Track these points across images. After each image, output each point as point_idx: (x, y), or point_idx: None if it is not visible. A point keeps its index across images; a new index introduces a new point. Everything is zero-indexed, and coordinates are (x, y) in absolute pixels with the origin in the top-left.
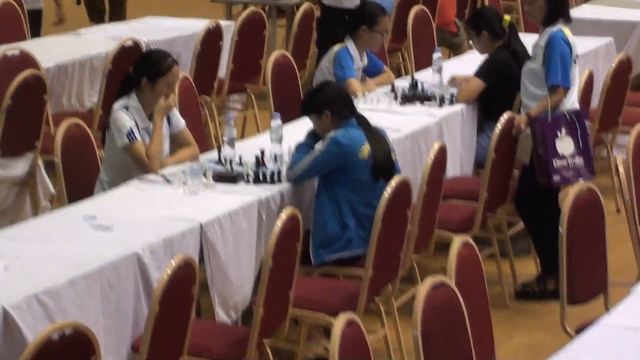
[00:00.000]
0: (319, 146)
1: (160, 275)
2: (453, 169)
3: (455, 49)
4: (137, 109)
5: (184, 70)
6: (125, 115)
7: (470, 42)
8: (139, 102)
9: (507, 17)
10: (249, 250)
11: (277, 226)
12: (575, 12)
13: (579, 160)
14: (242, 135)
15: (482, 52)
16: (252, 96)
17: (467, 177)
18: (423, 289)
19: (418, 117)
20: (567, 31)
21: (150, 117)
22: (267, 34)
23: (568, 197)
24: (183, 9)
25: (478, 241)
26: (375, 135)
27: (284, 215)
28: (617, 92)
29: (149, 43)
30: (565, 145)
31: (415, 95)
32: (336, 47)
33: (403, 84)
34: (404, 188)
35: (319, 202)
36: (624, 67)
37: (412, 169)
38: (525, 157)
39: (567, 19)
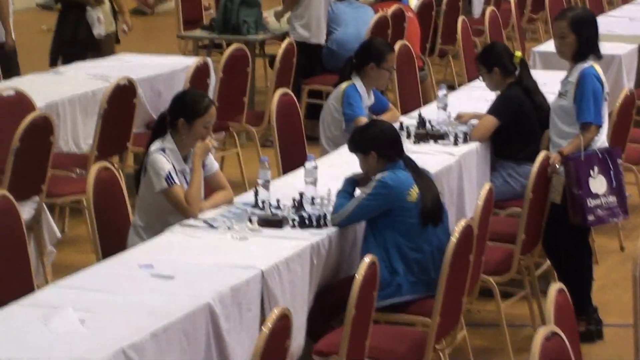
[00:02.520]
0: (365, 189)
1: (228, 325)
2: (470, 210)
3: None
4: (173, 151)
5: None
6: (163, 158)
7: (480, 78)
8: (174, 144)
9: (518, 53)
10: (302, 297)
11: (360, 274)
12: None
13: (612, 199)
14: None
15: (493, 89)
16: (235, 135)
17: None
18: (538, 338)
19: (437, 156)
20: (598, 68)
21: (186, 159)
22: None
23: None
24: (145, 44)
25: (507, 283)
26: (424, 178)
27: (363, 265)
28: (622, 127)
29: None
30: (598, 184)
31: (428, 134)
32: (344, 85)
33: (409, 121)
34: (469, 232)
35: (366, 247)
36: (628, 101)
37: None
38: (557, 197)
39: (598, 55)
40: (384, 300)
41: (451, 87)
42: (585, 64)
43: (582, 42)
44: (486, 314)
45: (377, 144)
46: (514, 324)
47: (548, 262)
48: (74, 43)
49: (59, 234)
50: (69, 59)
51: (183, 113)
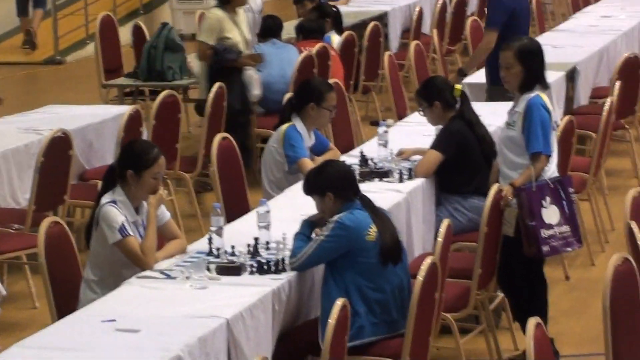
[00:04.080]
0: (323, 231)
1: None
2: (417, 247)
3: None
4: (125, 203)
5: (106, 158)
6: (116, 210)
7: (421, 113)
8: (125, 195)
9: (458, 87)
10: (266, 344)
11: (333, 318)
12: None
13: (565, 229)
14: None
15: (434, 123)
16: (170, 182)
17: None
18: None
19: (384, 194)
20: (544, 97)
21: (137, 210)
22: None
23: (608, 270)
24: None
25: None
26: (381, 217)
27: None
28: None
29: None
30: (551, 214)
31: (373, 172)
32: (284, 127)
33: (351, 160)
34: (434, 270)
35: (326, 289)
36: (568, 129)
37: None
38: (510, 230)
39: (545, 85)
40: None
41: (375, 124)
42: (532, 94)
43: (529, 72)
44: (445, 351)
45: (334, 185)
46: (472, 359)
47: (501, 296)
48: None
49: (4, 292)
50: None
51: (131, 165)
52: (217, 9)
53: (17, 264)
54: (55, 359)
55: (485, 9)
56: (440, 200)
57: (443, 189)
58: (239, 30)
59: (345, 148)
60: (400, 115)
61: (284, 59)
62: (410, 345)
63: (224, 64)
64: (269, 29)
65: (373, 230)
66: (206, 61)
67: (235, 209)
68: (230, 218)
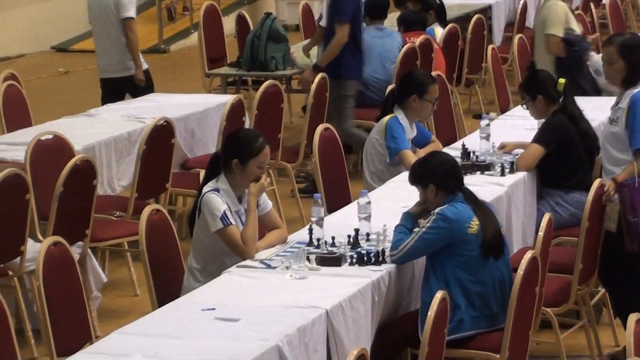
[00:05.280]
0: (425, 223)
1: None
2: (517, 241)
3: None
4: (227, 192)
5: (208, 147)
6: (218, 198)
7: (525, 106)
8: (228, 184)
9: (561, 80)
10: (365, 335)
11: (432, 310)
12: None
13: None
14: None
15: (537, 117)
16: (271, 172)
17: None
18: None
19: (486, 187)
20: None
21: (240, 200)
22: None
23: None
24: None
25: (562, 313)
26: (484, 210)
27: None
28: None
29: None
30: None
31: (474, 165)
32: (386, 118)
33: (453, 153)
34: (535, 264)
35: (427, 282)
36: None
37: None
38: (612, 225)
39: None
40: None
41: (478, 117)
42: (636, 89)
43: (632, 67)
44: (545, 345)
45: (436, 177)
46: (572, 354)
47: (602, 291)
48: None
49: (104, 278)
50: None
51: (237, 154)
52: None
53: (118, 251)
54: (155, 346)
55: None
56: (542, 194)
57: (545, 183)
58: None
59: (448, 141)
60: (503, 109)
61: (386, 51)
62: (510, 340)
63: (581, 53)
64: (375, 8)
65: (475, 223)
66: (560, 54)
67: (337, 200)
68: (331, 209)
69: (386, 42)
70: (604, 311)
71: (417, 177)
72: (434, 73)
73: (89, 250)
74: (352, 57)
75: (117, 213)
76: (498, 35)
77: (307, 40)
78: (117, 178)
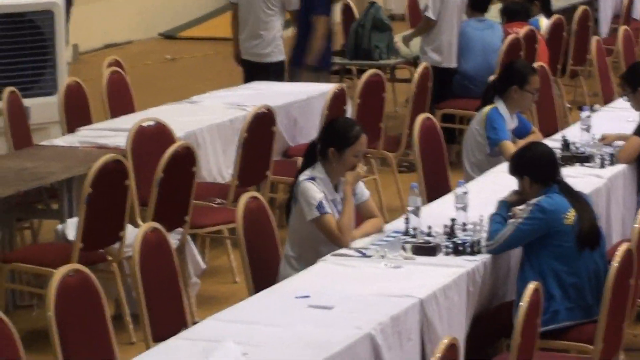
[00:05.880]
0: (521, 213)
1: (390, 355)
2: (616, 233)
3: None
4: (324, 180)
5: (311, 135)
6: (314, 187)
7: (625, 98)
8: (325, 172)
9: None
10: (459, 325)
11: (525, 301)
12: None
13: None
14: None
15: (638, 108)
16: (373, 161)
17: None
18: None
19: (585, 179)
20: None
21: (336, 188)
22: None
23: None
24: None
25: None
26: (581, 202)
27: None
28: None
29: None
30: None
31: (574, 156)
32: (486, 109)
33: (553, 144)
34: (629, 256)
35: (522, 273)
36: None
37: None
38: None
39: None
40: (541, 327)
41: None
42: None
43: None
44: None
45: (531, 168)
46: None
47: None
48: None
49: (203, 265)
50: None
51: (334, 142)
52: None
53: (219, 238)
54: (247, 333)
55: None
56: None
57: None
58: None
59: (549, 132)
60: (607, 101)
61: (488, 45)
62: (604, 331)
63: None
64: (476, 1)
65: (571, 215)
66: None
67: (437, 190)
68: (431, 198)
69: (487, 33)
70: None
71: (514, 167)
72: (536, 64)
73: (188, 237)
74: (328, 49)
75: (218, 200)
76: (604, 26)
77: (410, 31)
78: (225, 166)
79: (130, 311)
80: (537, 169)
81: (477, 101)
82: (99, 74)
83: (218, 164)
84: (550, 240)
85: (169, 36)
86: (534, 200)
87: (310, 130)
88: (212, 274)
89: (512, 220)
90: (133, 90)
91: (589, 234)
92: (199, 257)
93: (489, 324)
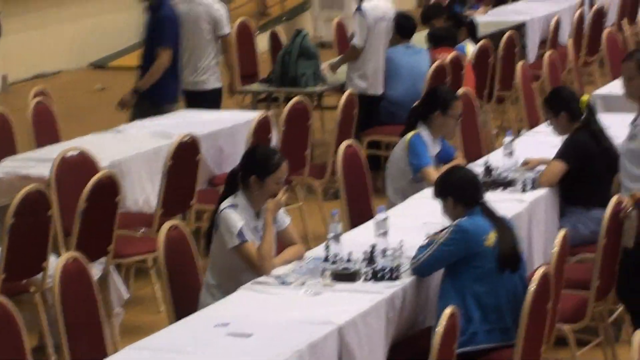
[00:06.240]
0: (443, 234)
1: None
2: (538, 257)
3: None
4: (246, 208)
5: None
6: (235, 215)
7: (547, 123)
8: (246, 200)
9: (584, 98)
10: (379, 352)
11: (441, 326)
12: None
13: None
14: None
15: (560, 133)
16: (298, 189)
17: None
18: None
19: (506, 203)
20: None
21: (258, 216)
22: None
23: None
24: None
25: (579, 330)
26: (503, 224)
27: (444, 317)
28: None
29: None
30: None
31: (496, 181)
32: (409, 135)
33: (476, 169)
34: (547, 280)
35: (443, 294)
36: None
37: None
38: (629, 241)
39: None
40: (457, 348)
41: None
42: None
43: None
44: None
45: (454, 190)
46: None
47: (621, 308)
48: None
49: (126, 295)
50: None
51: (255, 170)
52: None
53: (143, 267)
54: None
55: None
56: (563, 211)
57: (566, 200)
58: None
59: (474, 157)
60: (533, 126)
61: (415, 69)
62: (521, 355)
63: None
64: (403, 28)
65: (492, 236)
66: None
67: (360, 216)
68: (354, 225)
69: (414, 59)
70: (624, 329)
71: (438, 190)
72: (461, 90)
73: (111, 267)
74: (172, 82)
75: (142, 229)
76: (532, 52)
77: (337, 58)
78: (153, 195)
79: (55, 342)
80: (461, 190)
81: (403, 127)
82: (27, 104)
83: (145, 193)
84: (470, 262)
85: (99, 66)
86: (455, 222)
87: (236, 158)
88: (137, 304)
89: (434, 241)
90: (60, 121)
91: (509, 257)
92: (122, 287)
93: (408, 350)
